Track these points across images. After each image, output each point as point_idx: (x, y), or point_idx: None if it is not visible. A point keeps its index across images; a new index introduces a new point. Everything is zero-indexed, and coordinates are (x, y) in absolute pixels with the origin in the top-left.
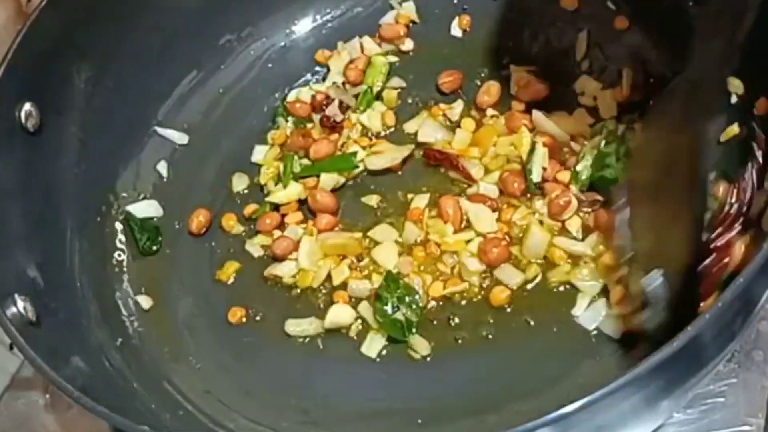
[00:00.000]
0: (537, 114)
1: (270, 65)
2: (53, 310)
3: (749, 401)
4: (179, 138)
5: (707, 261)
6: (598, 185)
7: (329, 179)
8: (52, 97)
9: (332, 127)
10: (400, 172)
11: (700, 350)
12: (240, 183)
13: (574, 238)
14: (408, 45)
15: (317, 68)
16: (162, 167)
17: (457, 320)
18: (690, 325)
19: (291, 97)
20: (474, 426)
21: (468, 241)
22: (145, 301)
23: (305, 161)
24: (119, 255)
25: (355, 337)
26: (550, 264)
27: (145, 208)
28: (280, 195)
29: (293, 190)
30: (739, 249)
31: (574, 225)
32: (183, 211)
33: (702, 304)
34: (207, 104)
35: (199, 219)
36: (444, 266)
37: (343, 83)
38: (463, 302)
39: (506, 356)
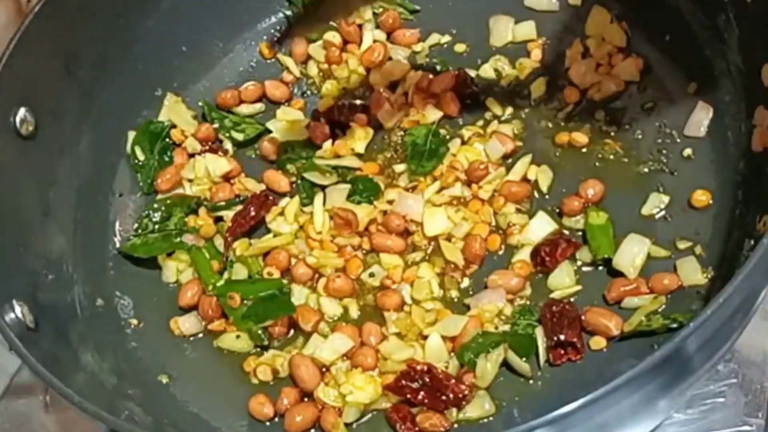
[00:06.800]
0: None
1: None
2: (51, 315)
3: (749, 401)
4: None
5: None
6: None
7: None
8: (47, 101)
9: None
10: None
11: (698, 348)
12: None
13: None
14: None
15: None
16: None
17: None
18: (690, 321)
19: None
20: None
21: None
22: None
23: None
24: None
25: None
26: None
27: None
28: None
29: None
30: None
31: None
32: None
33: None
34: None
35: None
36: None
37: None
38: None
39: None
